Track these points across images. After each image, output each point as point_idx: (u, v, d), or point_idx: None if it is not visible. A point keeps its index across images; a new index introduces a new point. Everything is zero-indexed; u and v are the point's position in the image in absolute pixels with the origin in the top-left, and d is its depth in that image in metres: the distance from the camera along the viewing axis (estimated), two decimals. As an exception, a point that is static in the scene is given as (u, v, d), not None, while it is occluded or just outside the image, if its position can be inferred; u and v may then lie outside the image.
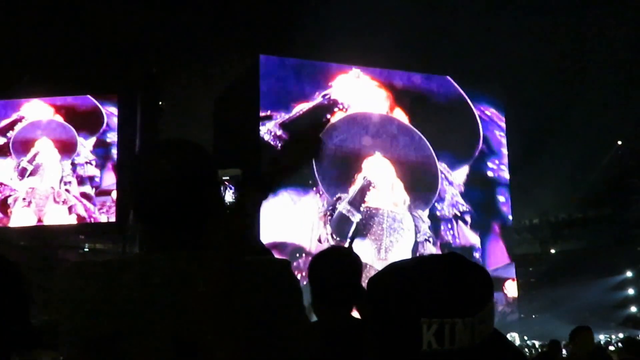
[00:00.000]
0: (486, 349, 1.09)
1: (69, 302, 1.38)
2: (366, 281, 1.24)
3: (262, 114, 19.35)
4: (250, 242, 1.72)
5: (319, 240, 19.31)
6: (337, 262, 2.35)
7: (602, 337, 23.00)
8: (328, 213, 19.53)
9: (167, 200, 1.43)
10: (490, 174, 22.92)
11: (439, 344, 1.06)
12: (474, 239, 22.20)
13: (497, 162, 23.04)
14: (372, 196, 20.30)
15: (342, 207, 19.62)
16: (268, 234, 17.35)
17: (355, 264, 2.38)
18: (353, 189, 19.94)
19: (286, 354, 1.40)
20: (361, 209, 19.90)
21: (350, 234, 19.49)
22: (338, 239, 19.31)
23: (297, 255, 18.87)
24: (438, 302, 1.07)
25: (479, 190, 22.45)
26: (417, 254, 20.51)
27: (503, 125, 23.21)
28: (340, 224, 19.56)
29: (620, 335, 23.19)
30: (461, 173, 22.17)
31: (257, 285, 1.40)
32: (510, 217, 23.38)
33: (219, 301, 1.35)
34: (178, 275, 1.37)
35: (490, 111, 23.05)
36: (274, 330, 1.37)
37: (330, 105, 20.33)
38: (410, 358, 1.08)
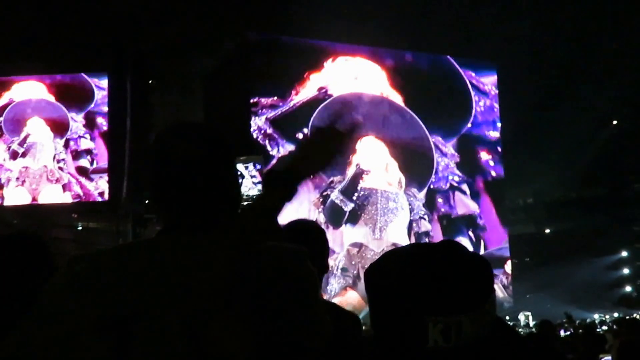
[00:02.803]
0: (491, 339, 1.09)
1: (78, 286, 1.37)
2: (364, 265, 1.21)
3: (253, 100, 19.27)
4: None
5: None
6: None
7: (596, 317, 23.08)
8: (320, 200, 19.53)
9: (184, 183, 1.44)
10: (481, 137, 22.94)
11: (445, 341, 1.06)
12: (473, 206, 22.22)
13: (489, 129, 23.12)
14: (366, 177, 20.26)
15: (335, 196, 19.60)
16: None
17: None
18: (346, 177, 19.89)
19: (294, 341, 1.39)
20: (354, 197, 19.88)
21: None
22: (332, 227, 19.35)
23: None
24: (443, 300, 1.07)
25: (472, 157, 22.50)
26: (412, 233, 20.56)
27: (496, 95, 23.25)
28: (333, 213, 19.55)
29: (615, 315, 23.26)
30: (455, 143, 22.20)
31: (268, 272, 1.40)
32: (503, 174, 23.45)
33: (226, 286, 1.34)
34: (190, 258, 1.37)
35: (485, 83, 23.06)
36: (284, 319, 1.37)
37: (324, 100, 20.23)
38: (415, 354, 1.07)
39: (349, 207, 19.70)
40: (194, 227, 1.44)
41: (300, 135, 19.29)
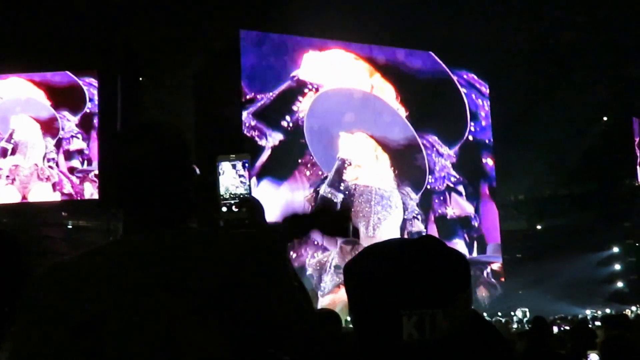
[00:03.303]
0: (467, 334, 1.10)
1: (46, 295, 1.40)
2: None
3: (245, 97, 19.24)
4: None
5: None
6: None
7: (588, 313, 23.15)
8: (313, 195, 19.54)
9: (140, 182, 1.45)
10: (479, 141, 23.04)
11: (420, 335, 1.07)
12: (469, 208, 22.29)
13: (481, 130, 23.18)
14: (357, 173, 20.27)
15: (323, 189, 19.63)
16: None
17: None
18: (330, 172, 19.93)
19: (273, 324, 1.39)
20: (341, 187, 19.90)
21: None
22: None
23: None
24: (417, 294, 1.08)
25: (470, 161, 22.57)
26: (405, 232, 20.59)
27: (487, 94, 23.31)
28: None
29: (607, 311, 23.32)
30: (454, 146, 22.26)
31: (233, 259, 1.39)
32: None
33: (196, 284, 1.34)
34: (156, 258, 1.38)
35: (474, 81, 23.10)
36: (254, 305, 1.36)
37: (299, 87, 20.20)
38: (390, 348, 1.08)
39: (338, 197, 19.71)
40: (154, 226, 1.45)
41: (284, 124, 19.36)
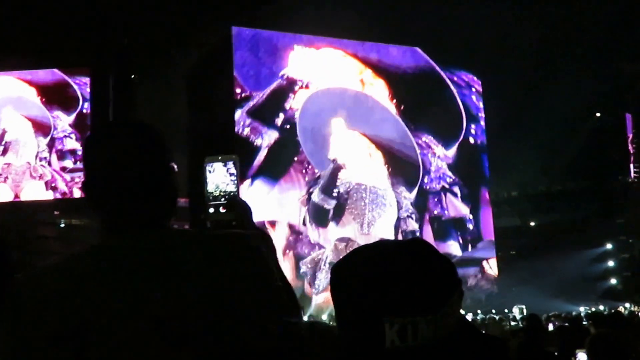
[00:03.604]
0: (452, 342, 1.09)
1: (28, 301, 1.36)
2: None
3: (239, 95, 19.19)
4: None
5: (303, 223, 19.34)
6: None
7: (582, 309, 23.15)
8: (306, 197, 19.53)
9: (114, 183, 1.42)
10: (474, 140, 23.10)
11: (402, 342, 1.06)
12: (464, 210, 22.32)
13: (477, 130, 23.22)
14: (351, 172, 20.26)
15: (316, 196, 19.59)
16: (260, 212, 17.45)
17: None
18: (324, 175, 19.89)
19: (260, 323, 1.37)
20: (334, 193, 19.88)
21: None
22: (314, 225, 19.39)
23: (288, 232, 18.95)
24: (400, 301, 1.07)
25: (466, 160, 22.60)
26: (400, 231, 20.60)
27: (480, 91, 23.34)
28: (316, 214, 19.57)
29: (601, 308, 23.36)
30: (450, 146, 22.30)
31: (220, 260, 1.38)
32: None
33: (182, 287, 1.32)
34: (136, 261, 1.37)
35: (464, 77, 23.11)
36: (244, 304, 1.35)
37: (290, 85, 20.15)
38: (373, 355, 1.08)
39: (331, 204, 19.71)
40: (134, 227, 1.43)
41: (278, 122, 19.34)
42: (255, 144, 18.96)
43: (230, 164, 1.68)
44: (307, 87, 20.23)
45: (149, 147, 1.47)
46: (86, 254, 1.43)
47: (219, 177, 1.67)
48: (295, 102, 19.94)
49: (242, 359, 1.33)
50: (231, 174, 1.67)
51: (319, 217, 19.52)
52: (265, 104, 19.49)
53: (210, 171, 1.68)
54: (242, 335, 1.33)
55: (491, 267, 22.56)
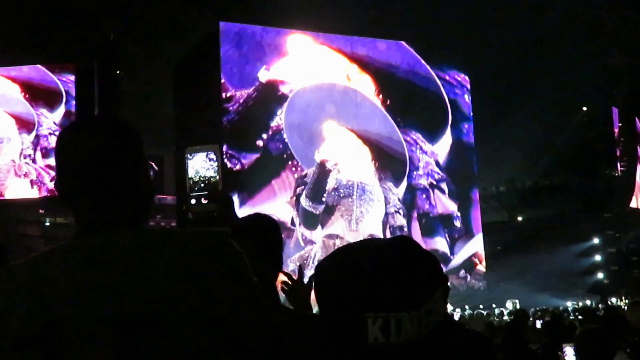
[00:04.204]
0: (435, 339, 1.09)
1: None
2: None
3: (225, 94, 19.06)
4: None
5: (292, 223, 19.31)
6: None
7: (569, 304, 23.28)
8: (294, 199, 19.49)
9: (87, 180, 1.40)
10: (464, 139, 23.15)
11: (385, 338, 1.06)
12: (452, 207, 22.35)
13: (465, 127, 23.26)
14: (338, 169, 20.22)
15: (304, 202, 19.54)
16: (249, 209, 17.40)
17: None
18: (310, 175, 19.81)
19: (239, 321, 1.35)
20: (323, 199, 19.83)
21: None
22: (302, 226, 19.39)
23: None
24: (383, 297, 1.07)
25: (455, 158, 22.62)
26: (388, 226, 20.59)
27: (468, 87, 23.37)
28: (306, 218, 19.54)
29: (588, 302, 23.49)
30: (439, 143, 22.32)
31: (187, 256, 1.35)
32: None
33: (153, 282, 1.31)
34: (109, 259, 1.34)
35: (456, 77, 23.11)
36: (222, 302, 1.34)
37: (274, 84, 20.03)
38: (357, 351, 1.08)
39: (319, 209, 19.70)
40: (107, 225, 1.40)
41: (260, 143, 19.21)
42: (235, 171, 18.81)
43: (212, 153, 1.67)
44: (293, 85, 20.11)
45: (121, 145, 1.44)
46: (57, 254, 1.39)
47: (198, 162, 1.66)
48: (280, 112, 19.78)
49: (215, 354, 1.31)
50: (211, 159, 1.66)
51: (309, 220, 19.51)
52: (246, 121, 19.35)
53: (189, 159, 1.67)
54: (216, 331, 1.31)
55: (479, 262, 22.57)
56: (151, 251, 1.35)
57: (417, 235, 20.92)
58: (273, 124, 19.59)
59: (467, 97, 23.27)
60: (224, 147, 17.89)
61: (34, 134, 18.64)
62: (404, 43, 21.98)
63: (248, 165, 18.82)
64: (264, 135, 19.33)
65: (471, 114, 23.40)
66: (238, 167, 18.61)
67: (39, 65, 18.68)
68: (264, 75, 19.67)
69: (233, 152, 18.54)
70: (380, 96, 21.38)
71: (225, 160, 17.96)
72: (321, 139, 20.16)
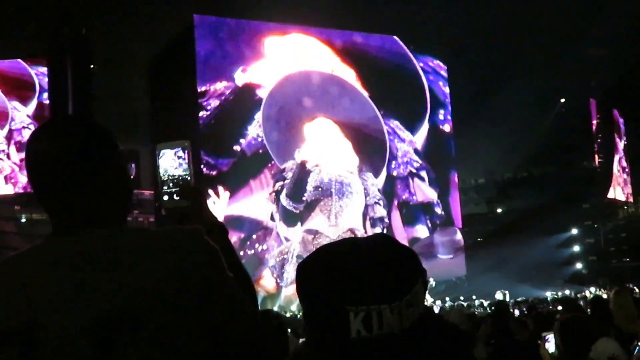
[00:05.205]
0: (416, 331, 1.10)
1: None
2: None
3: (201, 88, 18.89)
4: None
5: (272, 218, 19.25)
6: None
7: (548, 294, 23.41)
8: (273, 195, 19.41)
9: (58, 180, 1.40)
10: (440, 126, 23.24)
11: (367, 331, 1.07)
12: (432, 194, 22.40)
13: (443, 114, 23.37)
14: (320, 169, 20.16)
15: (284, 200, 19.48)
16: (226, 208, 17.33)
17: None
18: (291, 178, 19.72)
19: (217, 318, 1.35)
20: (303, 198, 19.77)
21: None
22: (282, 223, 19.36)
23: (255, 228, 18.86)
24: (363, 290, 1.08)
25: (433, 144, 22.70)
26: (368, 218, 20.57)
27: (446, 77, 23.46)
28: (287, 217, 19.50)
29: (567, 292, 23.64)
30: (416, 131, 22.38)
31: (160, 254, 1.35)
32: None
33: (128, 283, 1.30)
34: (83, 260, 1.33)
35: (430, 63, 23.20)
36: (199, 302, 1.33)
37: (250, 84, 19.91)
38: (339, 345, 1.10)
39: (300, 208, 19.65)
40: (79, 226, 1.39)
41: (236, 148, 19.12)
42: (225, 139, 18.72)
43: (179, 150, 1.66)
44: (270, 86, 19.98)
45: (91, 145, 1.43)
46: (30, 255, 1.39)
47: (167, 161, 1.66)
48: (258, 106, 19.69)
49: (194, 352, 1.31)
50: (179, 157, 1.65)
51: (289, 218, 19.48)
52: (236, 100, 19.24)
53: (159, 156, 1.67)
54: (194, 328, 1.31)
55: (459, 253, 22.66)
56: (126, 251, 1.34)
57: (398, 224, 20.98)
58: (250, 126, 19.46)
59: (441, 84, 23.34)
60: (201, 153, 17.82)
61: (7, 128, 18.36)
62: (394, 37, 22.05)
63: (227, 166, 18.74)
64: (242, 140, 19.23)
65: (447, 100, 23.46)
66: (214, 172, 18.54)
67: (15, 60, 18.40)
68: (240, 77, 19.49)
69: (209, 159, 18.44)
70: (362, 85, 21.35)
71: (202, 166, 17.94)
72: (301, 132, 20.06)
